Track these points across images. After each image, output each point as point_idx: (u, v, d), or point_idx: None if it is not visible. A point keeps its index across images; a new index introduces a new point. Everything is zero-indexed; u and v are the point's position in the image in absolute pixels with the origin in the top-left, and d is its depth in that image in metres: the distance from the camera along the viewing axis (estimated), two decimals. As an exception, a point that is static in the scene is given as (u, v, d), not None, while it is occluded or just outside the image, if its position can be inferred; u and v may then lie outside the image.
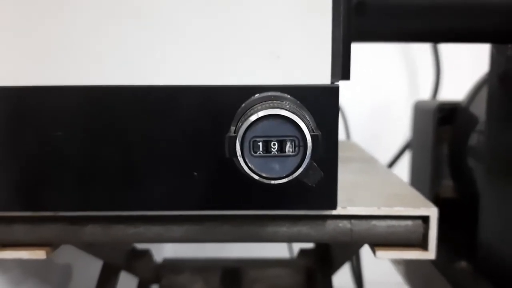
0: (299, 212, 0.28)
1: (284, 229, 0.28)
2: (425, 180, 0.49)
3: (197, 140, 0.26)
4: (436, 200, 0.47)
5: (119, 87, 0.26)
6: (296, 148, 0.21)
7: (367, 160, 0.43)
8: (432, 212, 0.28)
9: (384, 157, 0.66)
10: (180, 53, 0.26)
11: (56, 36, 0.26)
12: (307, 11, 0.25)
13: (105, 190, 0.27)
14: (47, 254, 0.29)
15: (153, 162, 0.27)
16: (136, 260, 0.45)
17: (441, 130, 0.47)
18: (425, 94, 0.67)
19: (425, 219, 0.28)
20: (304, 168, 0.22)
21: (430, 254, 0.28)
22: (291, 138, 0.21)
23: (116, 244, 0.38)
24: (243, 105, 0.25)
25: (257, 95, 0.25)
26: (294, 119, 0.21)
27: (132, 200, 0.27)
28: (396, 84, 0.70)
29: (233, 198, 0.27)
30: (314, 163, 0.22)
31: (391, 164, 0.67)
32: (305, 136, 0.21)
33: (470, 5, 0.28)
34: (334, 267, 0.40)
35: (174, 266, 0.48)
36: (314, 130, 0.22)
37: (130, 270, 0.42)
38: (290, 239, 0.29)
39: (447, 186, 0.47)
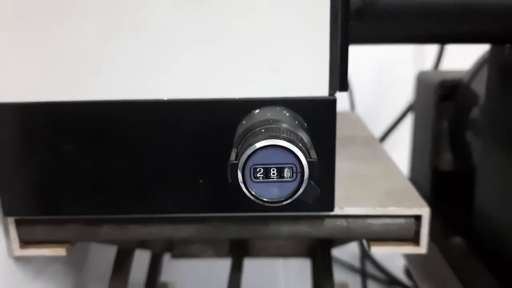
0: (299, 213, 0.30)
1: (285, 227, 0.30)
2: (425, 152, 0.51)
3: (201, 150, 0.28)
4: (435, 173, 0.49)
5: (125, 102, 0.27)
6: (294, 174, 0.23)
7: (368, 141, 0.44)
8: (424, 211, 0.29)
9: (387, 121, 0.68)
10: (182, 69, 0.27)
11: (64, 54, 0.27)
12: (306, 25, 0.26)
13: (117, 198, 0.29)
14: (67, 251, 0.31)
15: (161, 172, 0.28)
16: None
17: (443, 106, 0.47)
18: (431, 56, 0.67)
19: (418, 217, 0.30)
20: (302, 191, 0.23)
21: (422, 249, 0.30)
22: (289, 165, 0.23)
23: (131, 242, 0.40)
24: (243, 122, 0.26)
25: (257, 111, 0.26)
26: (291, 149, 0.22)
27: (143, 205, 0.29)
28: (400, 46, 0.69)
29: (236, 202, 0.29)
30: (312, 182, 0.24)
31: (393, 126, 0.67)
32: (302, 163, 0.23)
33: (470, 10, 0.28)
34: (333, 245, 0.42)
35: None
36: (311, 155, 0.23)
37: (144, 247, 0.45)
38: (291, 236, 0.31)
39: (447, 159, 0.49)
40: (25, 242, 0.32)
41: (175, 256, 0.51)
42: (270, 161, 0.23)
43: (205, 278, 0.62)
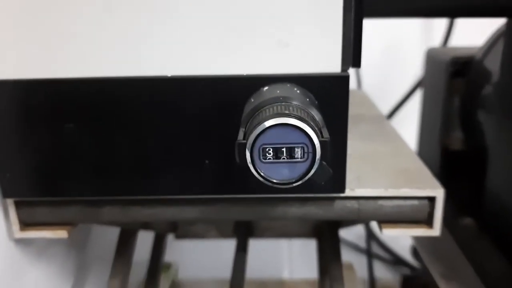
0: (308, 195, 0.29)
1: (293, 209, 0.29)
2: (435, 131, 0.50)
3: (207, 129, 0.27)
4: (444, 152, 0.48)
5: (127, 79, 0.26)
6: (305, 155, 0.22)
7: (377, 119, 0.43)
8: (439, 193, 0.28)
9: (394, 98, 0.66)
10: (187, 44, 0.25)
11: (66, 29, 0.25)
12: (318, -4, 0.25)
13: (120, 179, 0.28)
14: (68, 233, 0.31)
15: (166, 151, 0.27)
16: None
17: (454, 83, 0.46)
18: (438, 32, 0.65)
19: (431, 198, 0.29)
20: (313, 172, 0.22)
21: (435, 231, 0.29)
22: (300, 145, 0.22)
23: (133, 223, 0.40)
24: (252, 99, 0.25)
25: (266, 88, 0.25)
26: (303, 127, 0.21)
27: (147, 186, 0.28)
28: (408, 22, 0.67)
29: (243, 184, 0.28)
30: (324, 162, 0.23)
31: (400, 104, 0.66)
32: (314, 143, 0.21)
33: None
34: (341, 226, 0.42)
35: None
36: (323, 135, 0.22)
37: (147, 227, 0.44)
38: (299, 218, 0.30)
39: (457, 138, 0.47)
40: (25, 224, 0.31)
41: (178, 236, 0.51)
42: (280, 141, 0.22)
43: (208, 258, 0.62)
